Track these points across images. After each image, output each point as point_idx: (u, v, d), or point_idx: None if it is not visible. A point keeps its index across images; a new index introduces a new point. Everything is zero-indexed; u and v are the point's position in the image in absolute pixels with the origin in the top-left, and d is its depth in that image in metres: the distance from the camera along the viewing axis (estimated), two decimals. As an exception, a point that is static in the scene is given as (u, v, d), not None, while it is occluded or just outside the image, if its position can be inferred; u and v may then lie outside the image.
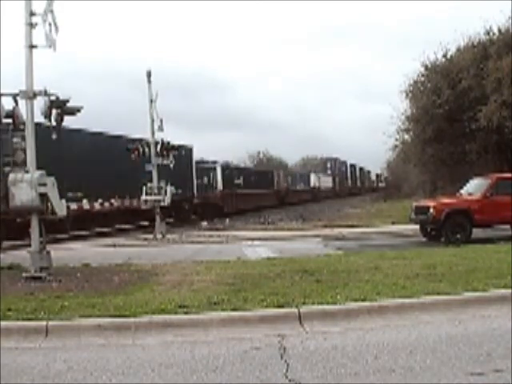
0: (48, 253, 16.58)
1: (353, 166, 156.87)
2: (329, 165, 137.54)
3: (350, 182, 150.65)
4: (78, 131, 35.51)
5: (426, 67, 49.55)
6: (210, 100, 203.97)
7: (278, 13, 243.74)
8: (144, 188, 34.41)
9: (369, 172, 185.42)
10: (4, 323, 10.92)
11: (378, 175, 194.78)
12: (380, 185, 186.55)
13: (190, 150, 52.67)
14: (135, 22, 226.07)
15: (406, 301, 11.84)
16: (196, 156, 54.39)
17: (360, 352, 9.15)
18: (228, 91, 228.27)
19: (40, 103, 16.84)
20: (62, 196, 17.19)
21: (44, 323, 10.86)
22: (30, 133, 16.70)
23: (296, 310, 11.21)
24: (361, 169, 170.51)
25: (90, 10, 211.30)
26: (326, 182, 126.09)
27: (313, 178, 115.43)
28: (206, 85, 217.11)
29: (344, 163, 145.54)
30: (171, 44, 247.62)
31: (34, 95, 16.67)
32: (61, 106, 17.06)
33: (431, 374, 7.99)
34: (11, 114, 16.83)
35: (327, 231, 33.37)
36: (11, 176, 16.36)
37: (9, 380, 8.39)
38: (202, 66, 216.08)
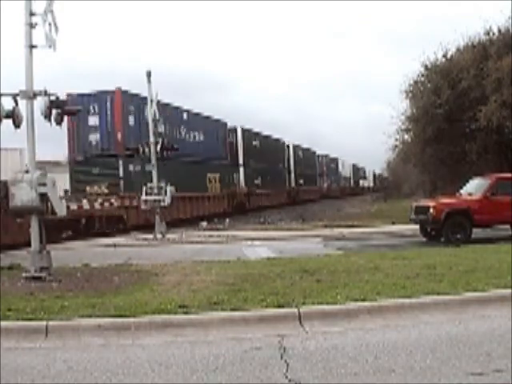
0: (48, 253, 16.56)
1: (273, 140, 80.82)
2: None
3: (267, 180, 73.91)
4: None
5: (426, 67, 49.50)
6: (209, 100, 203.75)
7: (278, 13, 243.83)
8: (144, 188, 34.38)
9: (336, 162, 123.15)
10: (4, 323, 10.93)
11: (357, 168, 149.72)
12: (365, 184, 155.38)
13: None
14: (134, 22, 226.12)
15: (406, 301, 11.84)
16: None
17: (360, 352, 9.16)
18: (228, 91, 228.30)
19: (40, 103, 16.83)
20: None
21: (44, 323, 10.87)
22: (29, 133, 16.68)
23: (296, 310, 11.22)
24: (310, 153, 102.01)
25: (89, 10, 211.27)
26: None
27: None
28: (205, 85, 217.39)
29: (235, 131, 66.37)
30: (171, 44, 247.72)
31: (34, 95, 16.66)
32: (61, 106, 17.05)
33: (431, 373, 8.00)
34: (11, 114, 16.82)
35: (327, 231, 33.33)
36: (11, 176, 16.35)
37: (9, 380, 8.39)
38: (201, 66, 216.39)
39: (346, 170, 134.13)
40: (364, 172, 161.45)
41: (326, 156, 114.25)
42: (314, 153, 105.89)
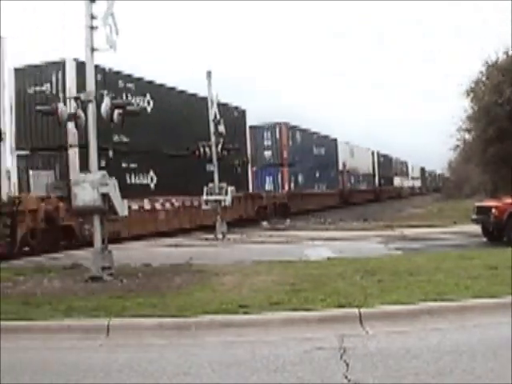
0: (110, 252, 16.73)
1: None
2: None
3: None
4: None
5: (487, 65, 48.81)
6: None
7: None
8: (205, 188, 34.38)
9: (326, 142, 70.62)
10: (67, 322, 11.10)
11: (384, 158, 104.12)
12: (405, 184, 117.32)
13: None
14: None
15: (468, 302, 11.69)
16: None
17: (421, 353, 9.06)
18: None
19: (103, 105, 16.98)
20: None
21: (105, 322, 11.00)
22: (92, 134, 16.87)
23: (356, 311, 11.15)
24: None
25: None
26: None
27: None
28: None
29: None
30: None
31: (96, 97, 16.85)
32: (123, 107, 17.23)
33: (493, 375, 7.89)
34: (73, 117, 17.04)
35: (388, 231, 33.10)
36: (74, 176, 16.55)
37: (71, 376, 8.50)
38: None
39: (357, 160, 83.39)
40: (406, 167, 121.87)
41: (288, 125, 58.98)
42: (240, 110, 49.15)
